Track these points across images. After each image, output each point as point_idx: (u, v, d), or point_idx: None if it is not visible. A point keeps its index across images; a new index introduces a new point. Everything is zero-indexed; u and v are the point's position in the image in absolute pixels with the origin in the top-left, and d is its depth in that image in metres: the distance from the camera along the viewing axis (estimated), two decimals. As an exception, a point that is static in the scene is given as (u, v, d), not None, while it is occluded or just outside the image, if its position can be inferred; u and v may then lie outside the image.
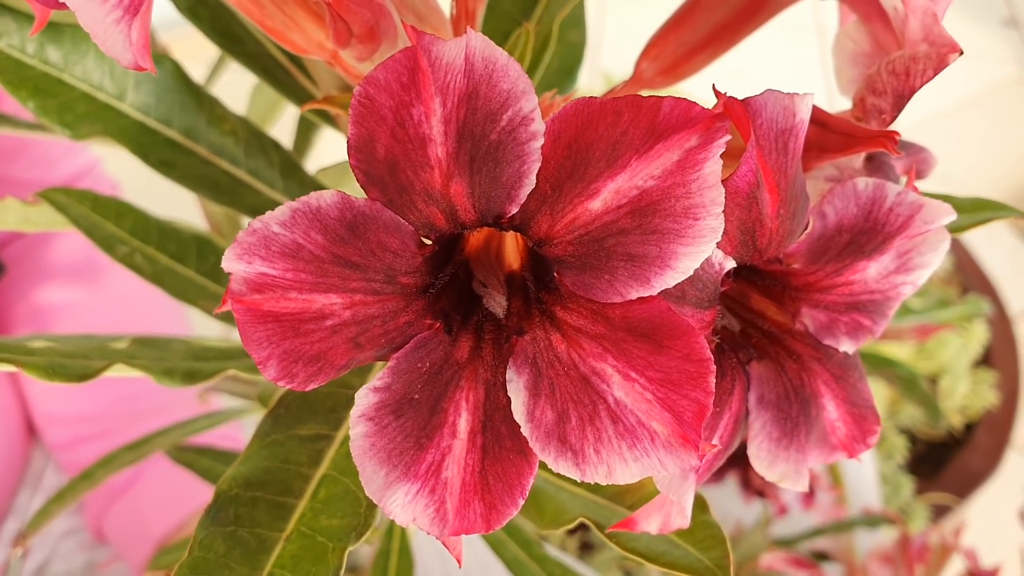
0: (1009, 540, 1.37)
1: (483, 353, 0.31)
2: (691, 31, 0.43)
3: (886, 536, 1.39)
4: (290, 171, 0.56)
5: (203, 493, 1.05)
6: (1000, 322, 1.87)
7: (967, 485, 1.65)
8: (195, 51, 0.89)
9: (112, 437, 1.09)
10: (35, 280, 1.10)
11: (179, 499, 1.05)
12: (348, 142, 0.29)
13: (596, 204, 0.28)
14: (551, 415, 0.29)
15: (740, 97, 0.31)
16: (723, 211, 0.27)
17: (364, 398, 0.30)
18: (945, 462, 1.71)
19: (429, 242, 0.30)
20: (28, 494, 1.14)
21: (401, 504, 0.30)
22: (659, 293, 0.29)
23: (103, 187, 1.17)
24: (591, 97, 0.28)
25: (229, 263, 0.29)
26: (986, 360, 1.85)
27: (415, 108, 0.28)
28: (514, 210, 0.29)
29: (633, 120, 0.27)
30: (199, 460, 0.79)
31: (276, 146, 0.56)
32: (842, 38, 0.44)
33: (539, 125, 0.28)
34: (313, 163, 0.69)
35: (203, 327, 1.33)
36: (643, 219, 0.28)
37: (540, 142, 0.28)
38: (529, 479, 0.30)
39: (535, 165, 0.28)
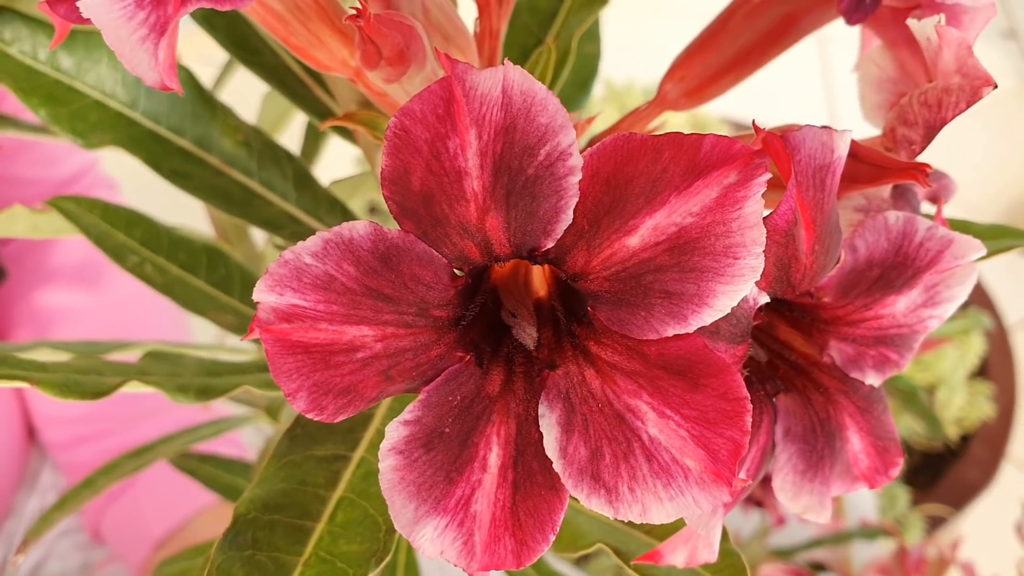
0: (1004, 553, 1.38)
1: (515, 387, 0.31)
2: (716, 54, 0.43)
3: (883, 548, 1.39)
4: (304, 183, 0.55)
5: (203, 495, 1.04)
6: (997, 334, 1.88)
7: (963, 497, 1.65)
8: (202, 52, 0.89)
9: (111, 438, 1.08)
10: (36, 281, 1.09)
11: (179, 500, 1.05)
12: (382, 173, 0.28)
13: (634, 240, 0.28)
14: (584, 452, 0.29)
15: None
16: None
17: (394, 431, 0.30)
18: (941, 473, 1.71)
19: (461, 274, 0.30)
20: (24, 494, 1.13)
21: (430, 538, 0.30)
22: (694, 330, 0.28)
23: (101, 187, 1.16)
24: (631, 133, 0.27)
25: (260, 294, 0.28)
26: (983, 372, 1.85)
27: (451, 140, 0.28)
28: (550, 245, 0.29)
29: (674, 157, 0.27)
30: (201, 468, 0.79)
31: (289, 157, 0.56)
32: (867, 63, 0.44)
33: (577, 160, 0.28)
34: (320, 170, 0.69)
35: (200, 329, 1.32)
36: (682, 257, 0.28)
37: (578, 177, 0.28)
38: (560, 515, 0.30)
39: (572, 200, 0.28)
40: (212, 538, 0.81)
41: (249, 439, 1.18)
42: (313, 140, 0.71)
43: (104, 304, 1.12)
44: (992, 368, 1.87)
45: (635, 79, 1.96)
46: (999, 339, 1.90)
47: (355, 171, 1.76)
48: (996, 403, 1.80)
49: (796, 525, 1.29)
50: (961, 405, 1.80)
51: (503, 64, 0.28)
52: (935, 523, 1.63)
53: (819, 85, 2.65)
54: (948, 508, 1.64)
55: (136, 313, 1.13)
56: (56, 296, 1.09)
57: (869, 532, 1.27)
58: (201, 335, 1.41)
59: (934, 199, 0.45)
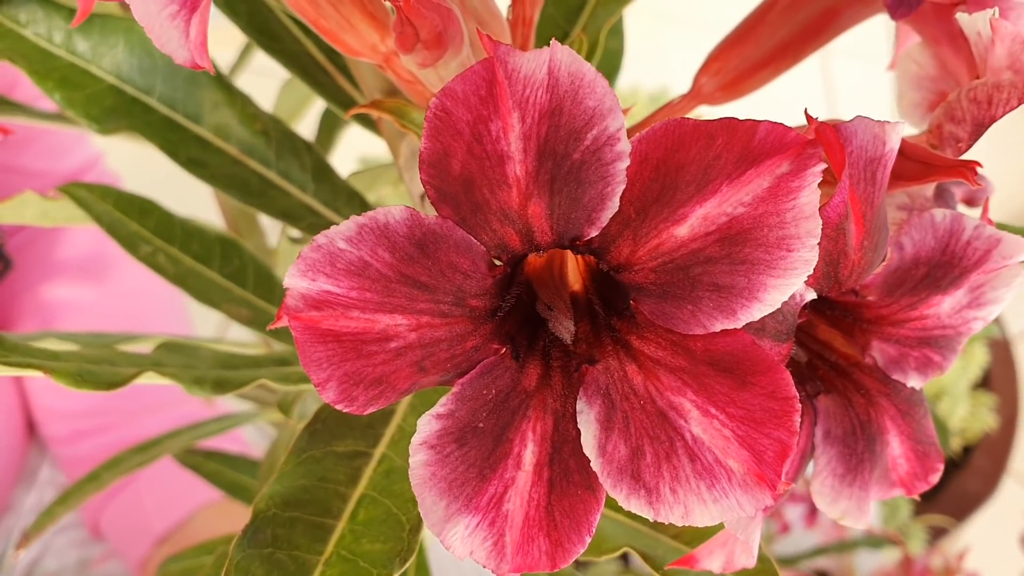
0: (1006, 566, 1.37)
1: (552, 381, 0.30)
2: (754, 47, 0.42)
3: (888, 557, 1.38)
4: (322, 174, 0.54)
5: (205, 491, 1.03)
6: (1000, 345, 1.87)
7: (964, 508, 1.64)
8: (216, 47, 0.88)
9: (112, 432, 1.07)
10: (42, 273, 1.08)
11: (181, 497, 1.03)
12: (420, 156, 0.27)
13: (683, 230, 0.27)
14: (624, 450, 0.28)
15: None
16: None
17: (426, 425, 0.29)
18: (943, 484, 1.70)
19: (499, 263, 0.29)
20: (23, 489, 1.12)
21: (460, 537, 0.28)
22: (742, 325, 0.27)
23: (106, 181, 1.15)
24: (683, 118, 0.26)
25: (292, 279, 0.27)
26: (985, 383, 1.84)
27: (493, 123, 0.26)
28: (594, 233, 0.27)
29: (727, 143, 0.26)
30: (206, 464, 0.77)
31: (308, 147, 0.55)
32: (905, 61, 0.43)
33: (625, 145, 0.26)
34: (336, 160, 0.68)
35: (200, 324, 1.31)
36: (732, 248, 0.27)
37: (626, 163, 0.26)
38: (597, 515, 0.29)
39: (619, 187, 0.27)
40: (218, 536, 0.80)
41: (250, 437, 1.17)
42: (327, 132, 0.70)
43: (109, 298, 1.11)
44: (995, 379, 1.86)
45: (640, 85, 1.95)
46: (1002, 350, 1.89)
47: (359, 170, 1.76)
48: (998, 415, 1.79)
49: (801, 532, 1.28)
50: (963, 416, 1.79)
51: (549, 45, 0.27)
52: (936, 533, 1.62)
53: (821, 99, 2.64)
54: (949, 519, 1.63)
55: (141, 307, 1.12)
56: (61, 289, 1.08)
57: (874, 541, 1.27)
58: (202, 330, 1.40)
59: (970, 201, 0.44)
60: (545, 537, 0.29)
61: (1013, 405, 1.85)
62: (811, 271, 0.26)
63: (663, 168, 0.26)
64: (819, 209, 0.28)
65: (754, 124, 0.26)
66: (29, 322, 1.08)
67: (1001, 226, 0.45)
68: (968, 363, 1.83)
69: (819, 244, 0.29)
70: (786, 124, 0.26)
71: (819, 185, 0.28)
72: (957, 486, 1.73)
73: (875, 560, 1.36)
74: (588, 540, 0.29)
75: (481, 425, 0.29)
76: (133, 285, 1.12)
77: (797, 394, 0.27)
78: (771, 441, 0.27)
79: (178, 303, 1.17)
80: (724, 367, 0.28)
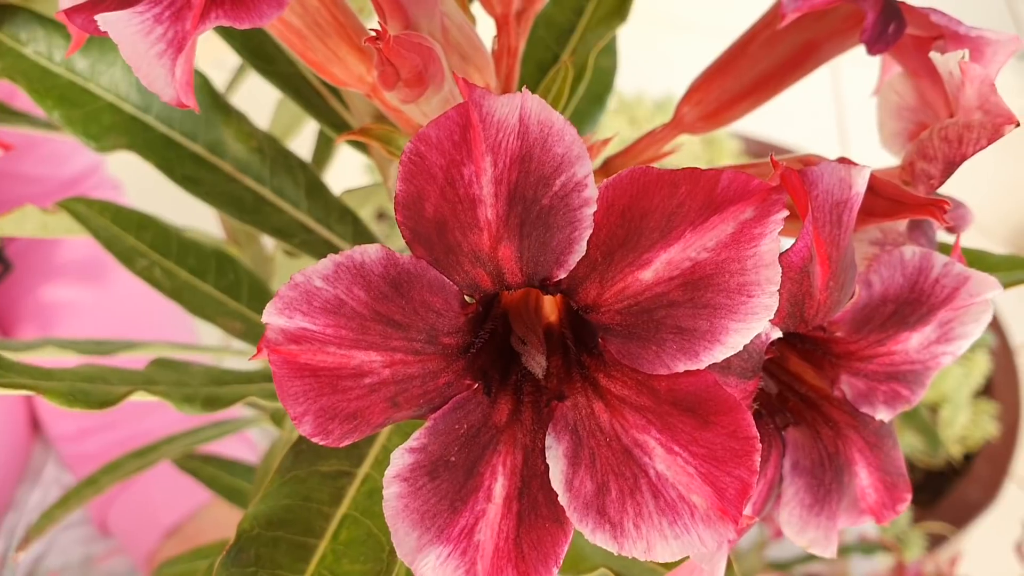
0: (1004, 573, 1.37)
1: (522, 417, 0.31)
2: (735, 78, 0.42)
3: (881, 563, 1.39)
4: (315, 192, 0.55)
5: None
6: (1002, 353, 1.87)
7: (964, 515, 1.64)
8: (213, 56, 0.89)
9: (118, 429, 1.08)
10: (42, 276, 1.09)
11: (188, 490, 1.05)
12: (396, 198, 0.28)
13: (647, 274, 0.28)
14: (590, 486, 0.29)
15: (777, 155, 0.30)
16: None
17: (399, 458, 0.29)
18: (943, 492, 1.70)
19: (471, 301, 0.30)
20: (27, 487, 1.13)
21: (432, 567, 0.29)
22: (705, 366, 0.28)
23: (106, 188, 1.17)
24: (648, 166, 0.27)
25: (270, 316, 0.28)
26: (987, 391, 1.84)
27: (466, 167, 0.27)
28: (562, 275, 0.28)
29: (690, 192, 0.27)
30: (204, 468, 0.79)
31: (302, 165, 0.56)
32: (886, 91, 0.44)
33: (592, 191, 0.27)
34: (330, 176, 0.69)
35: (206, 328, 1.32)
36: (695, 292, 0.27)
37: (593, 208, 0.27)
38: (564, 547, 0.30)
39: (587, 232, 0.28)
40: (214, 541, 0.81)
41: (255, 438, 1.18)
42: (324, 147, 0.71)
43: (110, 301, 1.12)
44: (996, 387, 1.86)
45: (645, 92, 1.96)
46: (1004, 358, 1.89)
47: (365, 179, 1.76)
48: (1000, 422, 1.80)
49: (796, 540, 1.29)
50: (965, 424, 1.80)
51: (521, 91, 0.27)
52: (936, 541, 1.63)
53: (830, 100, 2.64)
54: (949, 526, 1.64)
55: (142, 310, 1.13)
56: (62, 292, 1.09)
57: (867, 547, 1.27)
58: (207, 335, 1.41)
59: (951, 230, 0.45)
60: (513, 568, 0.29)
61: (1015, 413, 1.85)
62: (771, 316, 0.27)
63: (628, 214, 0.27)
64: (783, 253, 0.29)
65: (717, 173, 0.27)
66: (29, 325, 1.09)
67: (979, 254, 0.46)
68: (970, 371, 1.83)
69: (784, 286, 0.29)
70: (748, 173, 0.27)
71: (787, 226, 0.29)
72: (958, 493, 1.73)
73: (869, 566, 1.36)
74: (555, 571, 0.29)
75: (453, 459, 0.30)
76: (133, 288, 1.13)
77: (757, 434, 0.28)
78: (732, 479, 0.28)
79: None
80: (687, 406, 0.28)
